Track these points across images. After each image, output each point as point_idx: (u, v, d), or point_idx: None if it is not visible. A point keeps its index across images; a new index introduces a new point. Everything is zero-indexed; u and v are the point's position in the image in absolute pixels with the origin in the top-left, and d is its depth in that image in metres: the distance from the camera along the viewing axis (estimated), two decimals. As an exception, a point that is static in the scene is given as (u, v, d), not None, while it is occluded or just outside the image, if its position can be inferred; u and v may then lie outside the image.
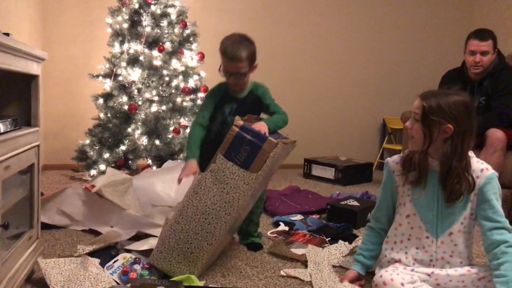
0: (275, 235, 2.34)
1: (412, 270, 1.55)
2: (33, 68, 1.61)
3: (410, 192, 1.63)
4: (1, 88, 1.63)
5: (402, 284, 1.45)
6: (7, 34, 1.32)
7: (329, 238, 2.23)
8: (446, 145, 1.52)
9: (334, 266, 1.92)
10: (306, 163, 4.13)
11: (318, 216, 2.68)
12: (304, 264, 1.95)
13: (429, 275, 1.55)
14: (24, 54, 1.46)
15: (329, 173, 3.90)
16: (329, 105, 4.65)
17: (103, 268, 1.76)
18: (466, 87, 2.82)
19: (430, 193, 1.59)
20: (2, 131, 1.34)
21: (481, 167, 1.56)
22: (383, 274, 1.49)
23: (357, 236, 2.27)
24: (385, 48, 4.69)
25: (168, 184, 2.54)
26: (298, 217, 2.59)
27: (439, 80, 3.01)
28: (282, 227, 2.44)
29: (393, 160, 1.71)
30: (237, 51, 2.05)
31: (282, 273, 1.85)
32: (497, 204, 1.53)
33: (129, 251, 1.92)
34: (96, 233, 2.26)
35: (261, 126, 1.89)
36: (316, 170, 4.01)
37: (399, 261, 1.62)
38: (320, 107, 4.63)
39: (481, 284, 1.53)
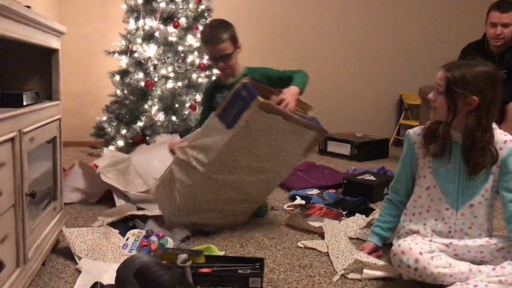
0: (292, 208, 2.36)
1: (430, 240, 1.56)
2: (53, 42, 1.62)
3: (431, 164, 1.62)
4: (22, 62, 1.65)
5: (421, 253, 1.46)
6: (28, 7, 1.33)
7: (346, 212, 2.24)
8: (470, 117, 1.49)
9: (351, 238, 1.94)
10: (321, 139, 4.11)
11: (334, 190, 2.69)
12: (321, 236, 1.97)
13: (447, 245, 1.55)
14: (44, 27, 1.48)
15: (345, 149, 3.89)
16: (345, 81, 4.60)
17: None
18: (487, 60, 2.76)
19: (452, 165, 1.57)
20: (25, 103, 1.37)
21: (504, 139, 1.54)
22: (402, 244, 1.51)
23: (374, 210, 2.27)
24: (402, 22, 4.59)
25: (165, 158, 2.57)
26: (315, 191, 2.60)
27: (458, 53, 2.95)
28: (299, 200, 2.46)
29: (414, 132, 1.70)
30: (217, 35, 2.10)
31: (299, 244, 1.88)
32: None
33: (144, 221, 1.98)
34: (113, 202, 2.32)
35: (292, 91, 1.92)
36: (332, 147, 4.00)
37: (417, 232, 1.62)
38: (336, 83, 4.59)
39: (500, 255, 1.53)
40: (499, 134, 1.55)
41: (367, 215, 2.16)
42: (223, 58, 2.14)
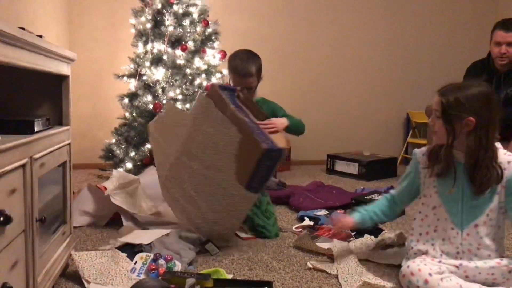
0: (300, 229, 2.35)
1: (440, 261, 1.55)
2: (63, 68, 1.66)
3: (436, 184, 1.63)
4: (33, 89, 1.69)
5: (430, 274, 1.45)
6: (40, 36, 1.37)
7: (355, 233, 2.23)
8: (470, 138, 1.51)
9: (360, 260, 1.92)
10: (329, 159, 4.12)
11: (342, 211, 2.68)
12: (330, 258, 1.96)
13: (457, 267, 1.54)
14: (55, 55, 1.52)
15: (353, 168, 3.88)
16: (353, 101, 4.62)
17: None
18: (492, 78, 2.77)
19: (456, 185, 1.58)
20: (36, 130, 1.39)
21: (508, 159, 1.55)
22: (411, 265, 1.50)
23: (382, 230, 2.26)
24: (408, 41, 4.63)
25: None
26: (323, 212, 2.59)
27: (464, 72, 2.96)
28: (307, 221, 2.45)
29: (420, 151, 1.72)
30: (247, 68, 2.22)
31: (309, 265, 1.87)
32: None
33: (149, 245, 1.97)
34: (121, 224, 2.33)
35: (281, 120, 1.98)
36: (340, 166, 4.00)
37: (426, 252, 1.61)
38: (343, 103, 4.61)
39: (511, 276, 1.51)
40: (503, 155, 1.56)
41: (376, 236, 2.14)
42: (248, 89, 2.25)
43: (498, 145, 1.57)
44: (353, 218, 1.83)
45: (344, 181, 3.72)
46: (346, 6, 4.51)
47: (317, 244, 2.06)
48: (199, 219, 2.05)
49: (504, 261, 1.54)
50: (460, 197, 1.58)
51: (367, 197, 2.65)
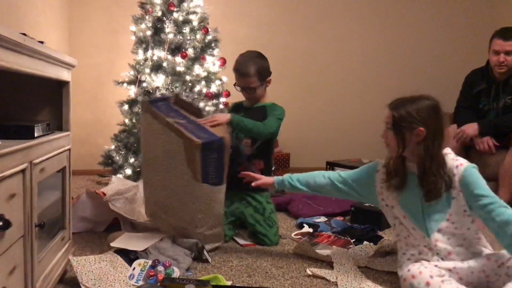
0: (299, 236, 2.34)
1: (436, 265, 1.55)
2: (64, 74, 1.67)
3: (395, 195, 1.70)
4: (34, 94, 1.69)
5: (431, 277, 1.46)
6: (42, 42, 1.37)
7: (354, 240, 2.22)
8: (420, 148, 1.59)
9: (359, 267, 1.92)
10: (328, 166, 4.11)
11: (342, 218, 2.68)
12: (330, 264, 1.95)
13: (450, 270, 1.55)
14: (56, 61, 1.52)
15: (352, 175, 3.87)
16: (351, 108, 4.63)
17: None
18: (491, 86, 2.78)
19: (413, 195, 1.64)
20: (37, 135, 1.40)
21: (455, 164, 1.59)
22: (411, 268, 1.51)
23: (382, 237, 2.26)
24: (407, 48, 4.65)
25: None
26: (322, 219, 2.59)
27: (462, 80, 2.98)
28: (306, 229, 2.45)
29: (381, 163, 1.80)
30: (246, 67, 2.24)
31: (308, 272, 1.86)
32: (484, 191, 1.52)
33: (144, 251, 1.96)
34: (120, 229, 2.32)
35: (224, 115, 2.08)
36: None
37: (419, 254, 1.64)
38: (341, 110, 4.62)
39: (502, 271, 1.52)
40: (451, 160, 1.60)
41: (375, 243, 2.14)
42: (247, 90, 2.30)
43: (447, 150, 1.63)
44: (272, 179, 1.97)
45: (343, 188, 3.71)
46: (345, 14, 4.54)
47: (317, 251, 2.05)
48: (180, 222, 2.06)
49: (494, 257, 1.55)
50: (419, 206, 1.63)
51: (366, 204, 2.64)
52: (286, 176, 1.96)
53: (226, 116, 2.06)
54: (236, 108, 2.46)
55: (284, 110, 2.33)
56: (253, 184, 1.98)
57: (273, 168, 2.42)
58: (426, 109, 1.59)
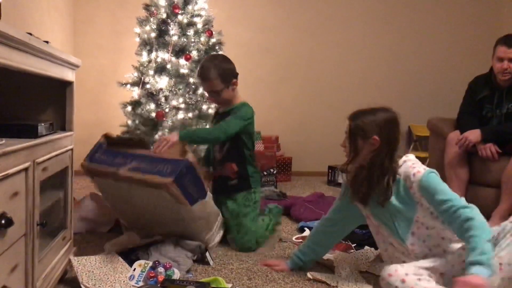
0: (300, 240, 2.34)
1: (415, 266, 1.55)
2: (68, 74, 1.68)
3: (366, 207, 1.72)
4: (37, 94, 1.70)
5: (407, 274, 1.46)
6: (47, 42, 1.38)
7: (355, 244, 2.22)
8: (370, 156, 1.65)
9: (360, 272, 1.91)
10: (330, 170, 4.12)
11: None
12: (330, 269, 1.95)
13: (429, 268, 1.54)
14: (61, 61, 1.53)
15: (354, 180, 3.87)
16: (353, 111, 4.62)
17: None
18: (494, 93, 2.78)
19: (376, 203, 1.67)
20: (40, 134, 1.40)
21: (413, 172, 1.59)
22: (387, 268, 1.52)
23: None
24: (410, 54, 4.65)
25: None
26: (323, 223, 2.58)
27: (466, 86, 2.97)
28: (307, 232, 2.45)
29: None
30: (207, 71, 2.24)
31: (308, 275, 1.86)
32: (443, 195, 1.52)
33: (145, 251, 1.97)
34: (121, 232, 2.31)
35: (172, 135, 2.01)
36: (341, 177, 3.99)
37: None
38: (344, 114, 4.60)
39: None
40: (409, 168, 1.61)
41: (376, 248, 2.13)
42: (212, 94, 2.30)
43: (408, 157, 1.66)
44: (287, 266, 1.93)
45: (344, 193, 3.70)
46: (349, 18, 4.55)
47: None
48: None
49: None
50: (388, 214, 1.65)
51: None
52: (294, 255, 1.95)
53: (175, 135, 2.00)
54: (215, 116, 2.47)
55: (250, 108, 2.29)
56: (275, 269, 1.94)
57: (254, 170, 2.34)
58: (382, 120, 1.65)
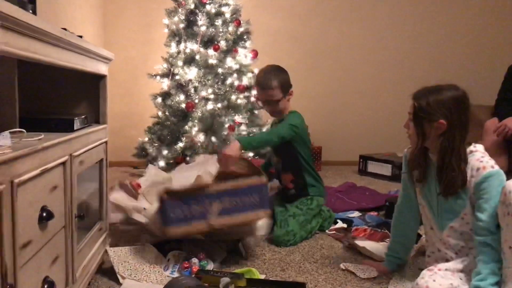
0: (334, 232, 2.32)
1: (446, 269, 1.50)
2: (101, 68, 1.69)
3: (417, 184, 1.67)
4: (72, 88, 1.73)
5: None
6: (80, 37, 1.39)
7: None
8: (441, 140, 1.52)
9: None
10: (361, 160, 4.06)
11: (376, 213, 2.63)
12: (369, 257, 1.94)
13: (462, 270, 1.50)
14: (95, 55, 1.55)
15: (386, 169, 3.81)
16: (385, 101, 4.53)
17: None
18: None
19: (432, 186, 1.61)
20: (76, 128, 1.42)
21: (478, 166, 1.49)
22: (419, 282, 1.47)
23: (421, 236, 2.19)
24: (444, 39, 4.50)
25: (204, 177, 2.62)
26: (356, 213, 2.55)
27: (503, 72, 2.86)
28: (340, 224, 2.42)
29: (407, 153, 1.74)
30: (268, 81, 2.27)
31: (342, 266, 1.85)
32: (487, 205, 1.44)
33: (178, 243, 1.98)
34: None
35: (231, 145, 2.02)
36: (372, 167, 3.94)
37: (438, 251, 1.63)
38: (376, 103, 4.53)
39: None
40: (475, 161, 1.50)
41: (415, 242, 2.03)
42: (270, 103, 2.31)
43: (476, 147, 1.53)
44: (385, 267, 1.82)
45: (376, 182, 3.65)
46: (378, 6, 4.43)
47: (356, 242, 2.04)
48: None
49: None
50: (435, 199, 1.60)
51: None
52: (386, 255, 1.83)
53: (236, 146, 2.00)
54: (271, 127, 2.57)
55: (300, 116, 2.33)
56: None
57: (313, 179, 2.37)
58: (449, 100, 1.51)
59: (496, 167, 1.48)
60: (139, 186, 2.47)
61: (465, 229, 1.54)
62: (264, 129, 3.54)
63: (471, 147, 1.53)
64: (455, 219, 1.55)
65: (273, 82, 2.26)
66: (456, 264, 1.53)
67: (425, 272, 1.51)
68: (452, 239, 1.57)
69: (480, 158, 1.50)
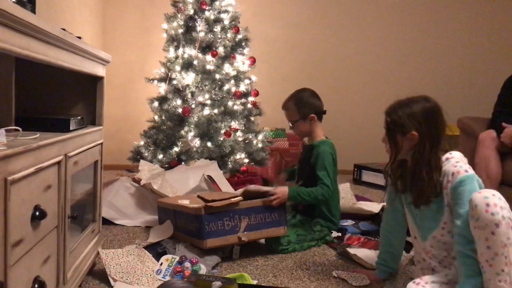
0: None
1: (433, 282, 1.50)
2: (99, 70, 1.70)
3: (402, 195, 1.69)
4: (69, 89, 1.73)
5: None
6: (79, 38, 1.40)
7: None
8: (413, 151, 1.55)
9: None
10: (356, 169, 4.07)
11: (370, 221, 2.62)
12: (361, 265, 1.94)
13: (447, 283, 1.50)
14: (93, 56, 1.55)
15: (380, 179, 3.82)
16: (380, 110, 4.52)
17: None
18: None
19: (409, 198, 1.62)
20: (72, 128, 1.43)
21: (453, 171, 1.49)
22: None
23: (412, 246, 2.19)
24: (439, 51, 4.54)
25: (198, 180, 2.70)
26: (349, 222, 2.55)
27: (497, 85, 2.88)
28: (334, 233, 2.41)
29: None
30: (285, 101, 2.36)
31: (334, 274, 1.85)
32: (462, 210, 1.43)
33: (173, 246, 1.99)
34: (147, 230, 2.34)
35: (282, 190, 2.06)
36: (367, 176, 3.95)
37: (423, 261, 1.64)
38: (371, 112, 4.55)
39: None
40: (451, 166, 1.50)
41: (407, 251, 2.04)
42: (291, 123, 2.39)
43: (452, 154, 1.54)
44: (377, 276, 1.81)
45: (371, 192, 3.66)
46: (375, 16, 4.47)
47: (348, 249, 2.04)
48: None
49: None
50: (414, 210, 1.61)
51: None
52: (377, 264, 1.83)
53: (285, 193, 2.07)
54: (303, 146, 2.62)
55: (329, 149, 2.29)
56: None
57: (322, 218, 2.33)
58: (419, 112, 1.54)
59: (471, 171, 1.48)
60: (139, 179, 2.53)
61: (447, 239, 1.53)
62: (260, 136, 3.55)
63: (447, 154, 1.55)
64: (435, 228, 1.54)
65: (288, 103, 2.33)
66: (440, 277, 1.52)
67: (410, 285, 1.50)
68: (434, 249, 1.57)
69: (455, 164, 1.51)
